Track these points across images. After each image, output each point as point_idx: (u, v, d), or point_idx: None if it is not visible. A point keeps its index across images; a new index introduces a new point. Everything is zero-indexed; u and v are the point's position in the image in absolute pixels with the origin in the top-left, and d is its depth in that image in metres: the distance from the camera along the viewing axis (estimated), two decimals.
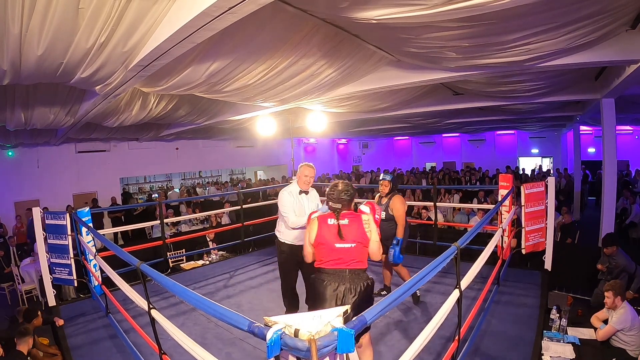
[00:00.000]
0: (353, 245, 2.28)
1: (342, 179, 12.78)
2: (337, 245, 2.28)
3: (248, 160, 14.47)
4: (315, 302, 2.37)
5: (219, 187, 13.16)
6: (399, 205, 3.74)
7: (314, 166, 3.43)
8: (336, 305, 2.27)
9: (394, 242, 3.61)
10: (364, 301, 2.25)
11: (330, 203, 2.37)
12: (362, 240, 2.30)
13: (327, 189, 2.41)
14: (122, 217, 9.41)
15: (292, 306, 3.62)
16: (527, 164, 16.95)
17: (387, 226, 3.71)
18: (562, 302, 3.45)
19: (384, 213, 3.75)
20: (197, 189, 13.38)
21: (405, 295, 1.63)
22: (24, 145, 8.73)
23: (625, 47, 3.72)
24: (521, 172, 14.79)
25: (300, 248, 3.41)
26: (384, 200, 3.85)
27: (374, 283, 2.45)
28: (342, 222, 2.31)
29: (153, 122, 7.38)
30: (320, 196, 3.58)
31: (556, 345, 2.99)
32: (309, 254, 2.44)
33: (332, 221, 2.33)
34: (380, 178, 3.93)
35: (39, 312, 3.46)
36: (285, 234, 3.48)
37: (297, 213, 3.37)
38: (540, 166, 16.50)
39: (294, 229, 3.38)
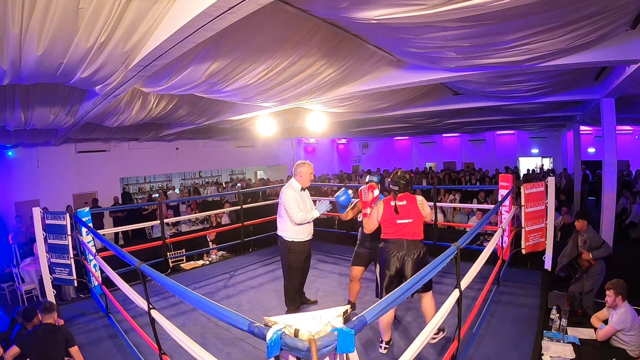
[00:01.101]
0: (410, 220, 2.87)
1: (343, 179, 12.84)
2: (399, 221, 2.88)
3: (248, 160, 14.47)
4: (382, 265, 2.97)
5: (218, 187, 13.17)
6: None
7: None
8: (397, 267, 2.85)
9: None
10: (419, 265, 2.77)
11: (390, 185, 2.97)
12: (418, 217, 2.88)
13: (391, 175, 3.02)
14: (124, 216, 9.40)
15: (295, 307, 3.66)
16: (527, 164, 16.95)
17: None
18: (562, 302, 3.45)
19: None
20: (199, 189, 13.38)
21: (405, 295, 1.63)
22: (24, 145, 8.73)
23: (625, 47, 3.71)
24: (525, 171, 14.75)
25: (309, 242, 3.68)
26: (373, 202, 3.38)
27: (427, 251, 2.95)
28: (400, 203, 2.90)
29: (153, 122, 7.37)
30: (320, 196, 3.67)
31: (556, 345, 2.99)
32: (373, 228, 3.05)
33: (392, 202, 2.93)
34: (367, 180, 3.45)
35: (38, 312, 3.46)
36: (294, 232, 3.55)
37: (302, 209, 3.51)
38: (542, 167, 16.48)
39: (299, 224, 3.51)
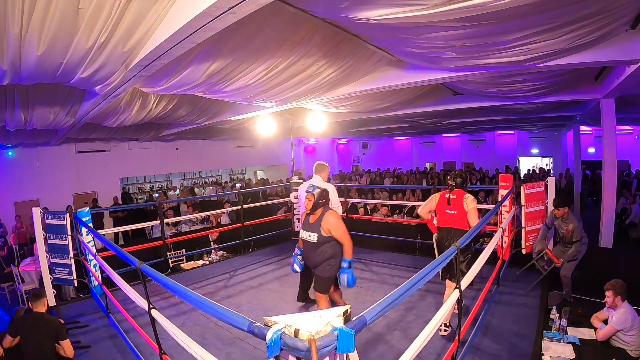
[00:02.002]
0: (455, 212, 3.30)
1: (343, 178, 12.85)
2: (447, 211, 3.35)
3: (248, 160, 14.47)
4: (439, 252, 3.38)
5: (216, 187, 13.18)
6: (336, 222, 3.05)
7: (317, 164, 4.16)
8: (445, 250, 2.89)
9: (344, 265, 3.00)
10: (464, 251, 3.06)
11: (448, 181, 3.42)
12: (461, 209, 3.28)
13: (450, 173, 3.48)
14: (124, 216, 9.40)
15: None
16: (527, 164, 16.94)
17: (323, 250, 3.07)
18: (564, 303, 3.45)
19: (315, 235, 3.08)
20: (195, 189, 13.39)
21: (405, 295, 1.63)
22: (24, 145, 8.73)
23: (625, 47, 3.71)
24: (526, 172, 14.70)
25: None
26: (313, 219, 3.15)
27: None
28: (452, 196, 3.35)
29: (153, 122, 7.37)
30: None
31: (556, 345, 2.99)
32: (427, 210, 3.54)
33: (446, 195, 3.38)
34: (305, 190, 3.26)
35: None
36: None
37: None
38: (541, 168, 16.46)
39: None
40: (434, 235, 3.49)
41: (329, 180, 4.41)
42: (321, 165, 4.10)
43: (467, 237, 2.39)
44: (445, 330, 3.19)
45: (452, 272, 3.00)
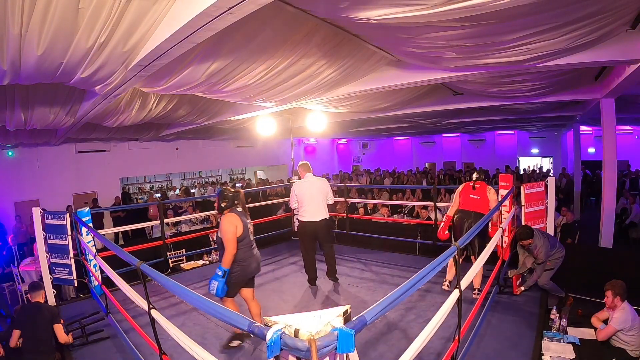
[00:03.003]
0: (478, 197, 3.97)
1: (344, 178, 12.86)
2: (471, 195, 4.02)
3: (248, 160, 14.47)
4: (456, 230, 3.99)
5: (215, 187, 13.15)
6: (223, 227, 2.96)
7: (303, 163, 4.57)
8: (466, 231, 3.46)
9: (218, 272, 2.92)
10: (482, 231, 3.34)
11: (474, 175, 4.19)
12: (484, 197, 3.96)
13: (474, 171, 4.45)
14: (125, 216, 9.39)
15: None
16: (527, 164, 16.94)
17: (222, 254, 3.04)
18: (562, 302, 3.45)
19: (215, 236, 3.14)
20: (196, 189, 13.36)
21: (405, 295, 1.63)
22: (24, 145, 8.73)
23: (625, 47, 3.71)
24: (522, 172, 14.69)
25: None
26: None
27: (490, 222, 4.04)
28: (476, 185, 4.05)
29: (153, 122, 7.37)
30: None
31: (556, 345, 2.99)
32: (456, 204, 4.13)
33: (471, 184, 4.09)
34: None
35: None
36: None
37: None
38: (541, 167, 16.46)
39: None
40: (455, 216, 4.04)
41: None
42: (308, 165, 4.53)
43: (468, 237, 2.39)
44: (477, 294, 3.72)
45: (468, 251, 3.96)
